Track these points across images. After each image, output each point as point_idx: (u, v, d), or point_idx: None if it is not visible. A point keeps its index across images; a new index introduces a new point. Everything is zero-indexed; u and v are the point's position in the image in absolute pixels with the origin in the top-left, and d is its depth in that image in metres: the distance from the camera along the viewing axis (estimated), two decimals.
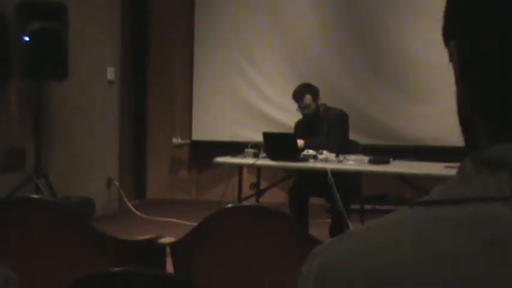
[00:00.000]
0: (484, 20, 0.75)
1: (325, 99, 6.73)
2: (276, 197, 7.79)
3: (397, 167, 6.38)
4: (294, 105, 6.84)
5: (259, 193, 7.25)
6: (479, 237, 0.68)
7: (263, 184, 7.48)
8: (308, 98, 6.56)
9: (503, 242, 0.67)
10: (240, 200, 7.03)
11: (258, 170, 7.18)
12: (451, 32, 0.80)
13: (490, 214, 0.69)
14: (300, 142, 6.49)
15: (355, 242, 0.75)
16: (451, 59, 0.80)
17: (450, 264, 0.67)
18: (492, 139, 0.75)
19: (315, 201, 6.84)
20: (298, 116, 6.85)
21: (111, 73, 8.51)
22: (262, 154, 6.61)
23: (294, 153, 6.34)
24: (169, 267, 2.97)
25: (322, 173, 6.00)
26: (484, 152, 0.73)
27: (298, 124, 6.87)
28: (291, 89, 7.16)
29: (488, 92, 0.75)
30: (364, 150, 6.83)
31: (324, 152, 6.38)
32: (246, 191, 7.22)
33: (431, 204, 0.73)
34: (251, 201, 7.09)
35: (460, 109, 0.81)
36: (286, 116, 8.34)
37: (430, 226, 0.71)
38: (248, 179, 7.51)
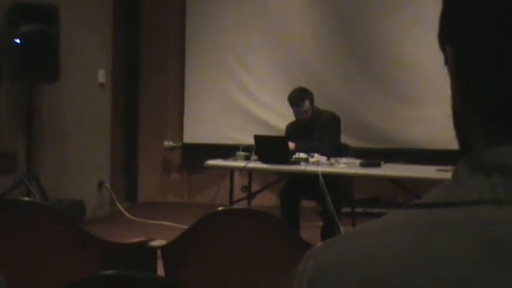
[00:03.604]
0: (480, 24, 0.75)
1: (316, 101, 6.73)
2: (267, 200, 7.80)
3: (388, 170, 6.39)
4: (285, 108, 6.84)
5: (250, 196, 7.25)
6: (473, 240, 0.68)
7: (254, 187, 7.48)
8: (307, 103, 6.55)
9: (498, 244, 0.67)
10: (231, 203, 7.02)
11: (249, 173, 7.18)
12: (447, 36, 0.80)
13: (484, 217, 0.69)
14: (291, 145, 6.49)
15: (349, 244, 0.75)
16: (447, 63, 0.80)
17: (444, 266, 0.67)
18: (487, 142, 0.75)
19: (307, 204, 6.84)
20: (290, 119, 6.85)
21: (102, 76, 8.51)
22: (254, 157, 6.62)
23: (285, 156, 6.34)
24: (160, 270, 2.96)
25: (314, 176, 6.01)
26: (479, 155, 0.73)
27: (290, 127, 6.87)
28: (283, 91, 7.16)
29: (483, 95, 0.76)
30: (356, 153, 6.84)
31: (315, 155, 6.39)
32: (238, 193, 7.22)
33: (426, 207, 0.73)
34: (242, 204, 7.09)
35: (455, 112, 0.81)
36: (278, 118, 8.34)
37: (424, 229, 0.71)
38: (239, 181, 7.51)
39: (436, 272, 0.67)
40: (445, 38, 0.81)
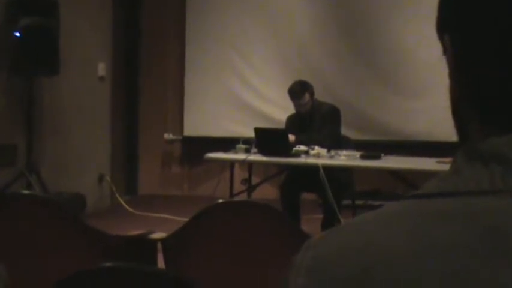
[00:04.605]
0: (479, 13, 0.74)
1: (316, 94, 6.73)
2: (267, 192, 7.79)
3: (388, 162, 6.39)
4: (285, 101, 6.84)
5: (250, 189, 7.25)
6: (471, 230, 0.67)
7: (255, 180, 7.47)
8: (307, 96, 6.55)
9: (497, 234, 0.66)
10: (231, 195, 7.02)
11: (249, 165, 7.17)
12: (445, 25, 0.80)
13: (482, 207, 0.69)
14: (292, 137, 6.49)
15: (347, 235, 0.75)
16: (445, 53, 0.80)
17: (441, 256, 0.67)
18: (485, 132, 0.75)
19: (307, 196, 6.84)
20: (290, 111, 6.85)
21: (102, 69, 8.49)
22: (254, 150, 6.61)
23: (286, 149, 6.34)
24: (161, 263, 2.97)
25: (314, 168, 6.00)
26: (477, 145, 0.73)
27: (290, 119, 6.86)
28: (283, 84, 7.16)
29: (482, 85, 0.75)
30: (356, 145, 6.83)
31: (316, 147, 6.39)
32: (238, 186, 7.21)
33: (424, 198, 0.73)
34: (243, 197, 7.09)
35: (453, 103, 0.81)
36: (278, 111, 8.33)
37: (422, 219, 0.71)
38: (240, 174, 7.51)
39: (434, 262, 0.67)
40: (443, 28, 0.80)
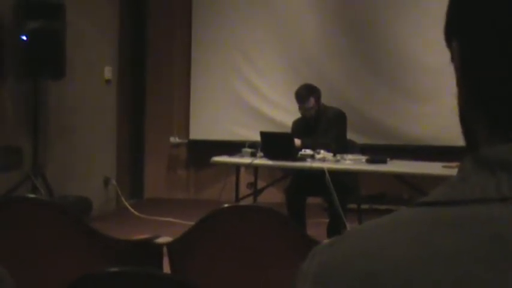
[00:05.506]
0: (485, 20, 0.75)
1: (322, 98, 6.72)
2: (273, 196, 7.78)
3: (394, 166, 6.38)
4: (291, 105, 6.83)
5: (256, 192, 7.24)
6: (476, 238, 0.67)
7: (260, 183, 7.47)
8: (312, 100, 6.54)
9: (501, 242, 0.67)
10: (237, 199, 7.02)
11: (255, 169, 7.17)
12: (453, 32, 0.80)
13: (488, 215, 0.69)
14: (297, 141, 6.48)
15: (353, 242, 0.75)
16: (453, 59, 0.80)
17: (445, 263, 0.67)
18: (492, 139, 0.75)
19: (313, 200, 6.83)
20: (296, 115, 6.84)
21: (108, 72, 8.51)
22: (260, 153, 6.60)
23: (291, 153, 6.33)
24: (166, 267, 2.96)
25: (320, 172, 6.00)
26: (484, 152, 0.73)
27: (296, 123, 6.86)
28: (289, 88, 7.15)
29: (489, 92, 0.76)
30: (362, 149, 6.83)
31: (322, 151, 6.38)
32: (244, 190, 7.21)
33: (430, 205, 0.73)
34: (248, 201, 7.08)
35: (461, 109, 0.81)
36: (284, 115, 8.34)
37: (428, 227, 0.71)
38: (245, 178, 7.51)
39: (438, 268, 0.67)
40: (450, 34, 0.81)
